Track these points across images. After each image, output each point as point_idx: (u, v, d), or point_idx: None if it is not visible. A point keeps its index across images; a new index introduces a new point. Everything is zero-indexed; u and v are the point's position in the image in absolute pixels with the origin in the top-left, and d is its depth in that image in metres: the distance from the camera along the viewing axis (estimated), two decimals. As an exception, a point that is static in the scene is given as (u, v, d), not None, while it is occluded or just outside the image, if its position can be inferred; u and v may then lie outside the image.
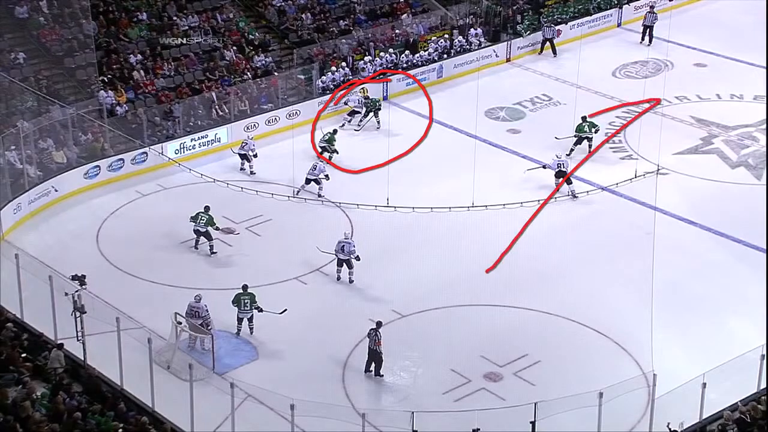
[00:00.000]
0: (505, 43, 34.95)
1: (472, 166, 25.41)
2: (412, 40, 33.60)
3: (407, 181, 26.22)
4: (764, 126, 29.51)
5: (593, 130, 28.14)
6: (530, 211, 25.15)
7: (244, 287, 20.93)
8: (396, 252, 23.82)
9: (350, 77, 31.29)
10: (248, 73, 30.46)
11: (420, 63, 32.87)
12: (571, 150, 27.96)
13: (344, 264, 22.51)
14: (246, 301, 20.70)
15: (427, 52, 33.16)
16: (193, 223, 23.48)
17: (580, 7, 36.89)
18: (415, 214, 25.10)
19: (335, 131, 28.14)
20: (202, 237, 23.53)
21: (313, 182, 25.87)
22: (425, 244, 24.12)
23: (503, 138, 29.46)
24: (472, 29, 34.62)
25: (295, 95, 30.75)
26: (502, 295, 22.07)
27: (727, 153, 28.70)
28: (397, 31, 33.89)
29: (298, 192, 25.88)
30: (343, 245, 22.43)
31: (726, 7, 38.41)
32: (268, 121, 29.50)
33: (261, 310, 20.76)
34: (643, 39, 35.74)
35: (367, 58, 32.08)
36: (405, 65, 32.64)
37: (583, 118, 28.30)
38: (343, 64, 31.54)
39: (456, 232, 24.48)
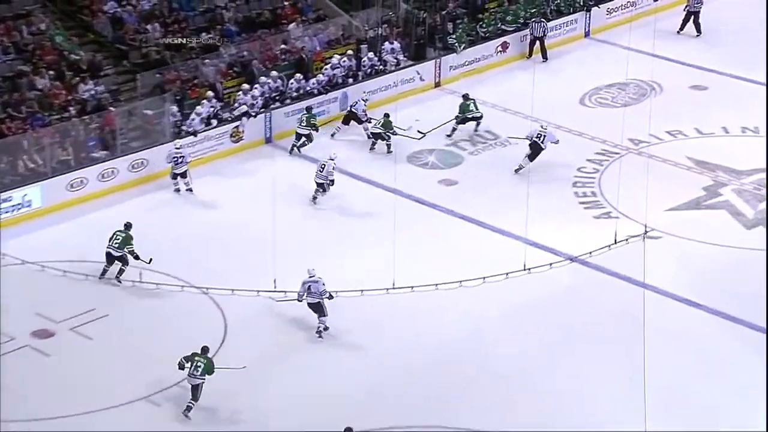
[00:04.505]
0: (433, 61, 35.44)
1: (392, 232, 25.53)
2: (305, 58, 33.89)
3: (301, 256, 26.15)
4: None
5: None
6: (481, 290, 25.32)
7: (204, 349, 22.24)
8: (286, 357, 23.67)
9: (219, 112, 31.38)
10: (71, 108, 30.30)
11: (316, 90, 33.08)
12: (453, 130, 32.04)
13: (317, 311, 24.17)
14: (200, 365, 21.95)
15: (325, 76, 33.49)
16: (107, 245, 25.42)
17: (533, 10, 37.72)
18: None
19: (388, 115, 31.50)
20: (114, 263, 25.42)
21: (321, 187, 28.83)
22: (328, 340, 24.09)
23: (433, 192, 29.72)
24: (386, 43, 35.01)
25: (140, 138, 30.68)
26: (442, 412, 22.06)
27: (740, 207, 29.26)
28: (282, 46, 34.15)
29: (315, 199, 28.83)
30: (309, 285, 24.06)
31: (729, 9, 39.67)
32: (103, 176, 29.35)
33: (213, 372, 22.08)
34: (682, 28, 38.22)
35: (245, 86, 32.15)
36: (295, 93, 32.88)
37: (465, 96, 32.52)
38: (210, 93, 31.60)
39: (372, 324, 24.51)
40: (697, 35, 38.55)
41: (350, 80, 33.84)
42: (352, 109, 32.52)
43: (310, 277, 24.27)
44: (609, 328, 24.43)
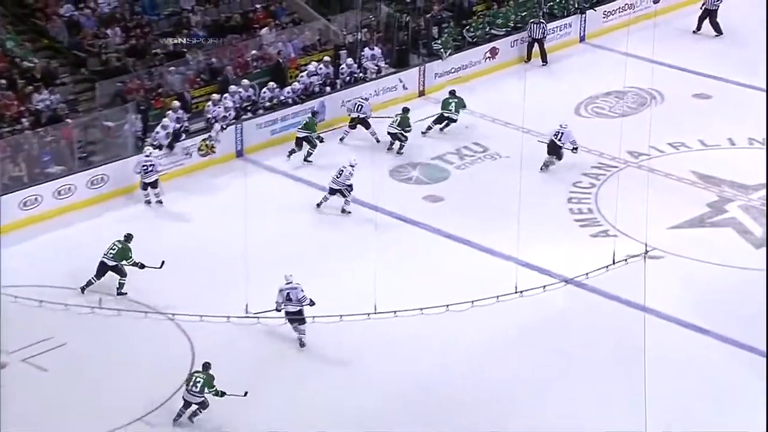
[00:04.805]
0: (417, 68, 35.49)
1: (373, 252, 25.47)
2: (282, 63, 33.83)
3: (275, 278, 26.09)
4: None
5: (460, 109, 32.95)
6: (470, 315, 25.27)
7: (206, 365, 22.67)
8: (264, 386, 23.56)
9: (186, 124, 31.25)
10: (24, 120, 30.15)
11: (291, 100, 33.07)
12: (428, 128, 32.88)
13: (296, 320, 24.52)
14: (199, 381, 22.32)
15: (300, 84, 33.42)
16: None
17: (525, 13, 37.75)
18: (289, 326, 24.99)
19: (407, 110, 32.44)
20: (107, 274, 25.79)
21: (338, 193, 29.14)
22: (308, 366, 24.23)
23: (417, 209, 29.78)
24: (366, 48, 35.05)
25: (101, 152, 30.61)
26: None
27: (748, 225, 29.30)
28: (254, 52, 34.07)
29: (320, 205, 29.41)
30: (288, 292, 24.57)
31: (735, 12, 39.70)
32: (59, 193, 29.22)
33: (223, 395, 22.41)
34: (699, 27, 38.64)
35: (215, 96, 32.01)
36: (268, 103, 32.80)
37: (452, 92, 33.20)
38: (176, 103, 31.48)
39: (352, 351, 24.61)
40: (717, 35, 38.77)
41: (328, 88, 33.83)
42: (360, 115, 32.66)
43: (288, 283, 24.68)
44: (607, 353, 24.50)
